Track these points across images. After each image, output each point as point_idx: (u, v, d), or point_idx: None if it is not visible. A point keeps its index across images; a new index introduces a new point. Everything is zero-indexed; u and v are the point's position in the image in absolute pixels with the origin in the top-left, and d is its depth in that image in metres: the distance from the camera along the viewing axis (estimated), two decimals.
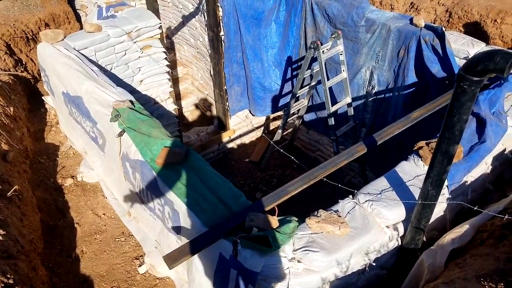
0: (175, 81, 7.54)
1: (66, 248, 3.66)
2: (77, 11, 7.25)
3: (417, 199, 2.69)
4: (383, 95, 5.39)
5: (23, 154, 4.05)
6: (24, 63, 5.47)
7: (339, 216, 2.81)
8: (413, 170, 3.18)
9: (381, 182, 3.10)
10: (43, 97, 5.22)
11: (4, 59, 5.03)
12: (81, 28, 6.80)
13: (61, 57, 4.43)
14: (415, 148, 3.35)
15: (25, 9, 6.03)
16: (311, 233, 2.66)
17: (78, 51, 4.74)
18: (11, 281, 2.31)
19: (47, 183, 4.05)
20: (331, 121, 5.30)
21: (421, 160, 3.24)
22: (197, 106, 7.92)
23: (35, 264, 2.95)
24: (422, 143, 3.33)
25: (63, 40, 4.79)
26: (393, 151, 5.13)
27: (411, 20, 4.98)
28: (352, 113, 5.52)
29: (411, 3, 6.51)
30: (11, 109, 4.27)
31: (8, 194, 3.04)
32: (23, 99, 4.93)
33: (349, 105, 5.48)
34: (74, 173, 4.30)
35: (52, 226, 3.79)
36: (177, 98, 7.42)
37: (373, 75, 5.43)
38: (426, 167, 2.53)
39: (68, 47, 4.68)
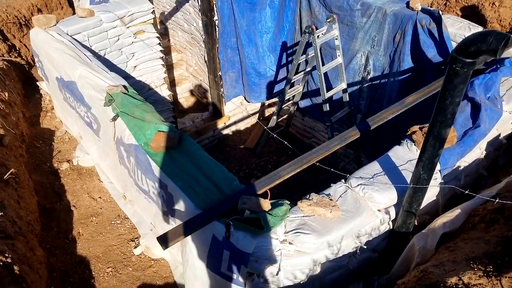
0: (169, 67, 7.49)
1: (63, 230, 3.72)
2: None
3: (409, 183, 2.72)
4: (378, 81, 5.38)
5: (19, 138, 4.06)
6: (17, 48, 5.43)
7: (331, 199, 2.84)
8: (406, 155, 3.20)
9: (374, 167, 3.12)
10: (37, 83, 5.19)
11: None
12: (74, 13, 6.72)
13: (54, 42, 4.39)
14: (409, 132, 3.36)
15: None
16: (303, 216, 2.70)
17: (71, 36, 4.71)
18: (9, 260, 2.35)
19: (43, 167, 4.08)
20: (326, 107, 5.30)
21: (414, 144, 3.25)
22: (192, 92, 7.89)
23: (33, 245, 3.00)
24: (415, 127, 3.34)
25: (55, 25, 4.74)
26: (387, 136, 5.15)
27: (407, 3, 4.93)
28: (348, 99, 5.51)
29: None
30: (6, 94, 4.25)
31: (5, 177, 3.06)
32: (18, 85, 4.91)
33: (344, 91, 5.48)
34: (70, 157, 4.32)
35: (49, 209, 3.83)
36: (172, 84, 7.39)
37: (368, 60, 5.41)
38: (419, 152, 2.55)
39: (60, 32, 4.63)
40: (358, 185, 2.94)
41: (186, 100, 7.77)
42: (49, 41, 4.44)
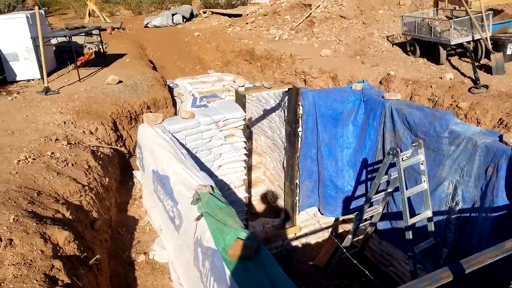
0: (248, 168, 7.82)
1: None
2: (175, 97, 8.17)
3: None
4: (468, 214, 5.02)
5: (107, 223, 4.35)
6: (124, 138, 6.15)
7: None
8: None
9: None
10: (133, 171, 5.71)
11: (109, 134, 5.71)
12: (175, 112, 7.59)
13: (157, 138, 4.91)
14: None
15: (133, 93, 6.95)
16: None
17: (172, 134, 5.24)
18: None
19: (122, 256, 4.24)
20: (409, 235, 4.99)
21: None
22: (266, 196, 8.03)
23: None
24: None
25: (161, 123, 5.34)
26: (482, 280, 4.57)
27: (500, 137, 4.80)
28: (433, 229, 5.16)
29: (500, 119, 6.31)
30: (106, 180, 4.72)
31: (90, 262, 3.23)
32: (117, 171, 5.43)
33: (429, 219, 5.17)
34: (147, 249, 4.47)
35: None
36: (248, 185, 7.63)
37: (457, 190, 5.15)
38: None
39: (164, 129, 5.19)
40: None
41: (259, 203, 7.89)
42: (154, 136, 4.98)
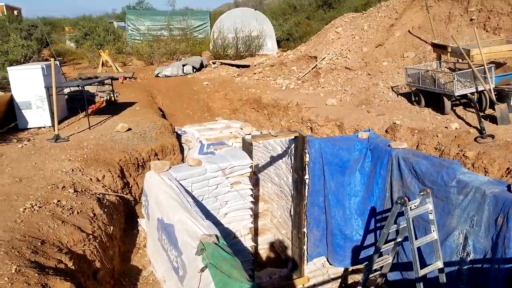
0: (254, 216, 7.73)
1: None
2: (182, 144, 8.29)
3: None
4: (480, 265, 4.86)
5: (110, 274, 4.27)
6: (130, 186, 6.17)
7: None
8: None
9: None
10: (138, 219, 5.68)
11: (116, 181, 5.75)
12: (183, 159, 7.67)
13: (163, 186, 4.93)
14: None
15: (141, 140, 7.07)
16: None
17: (178, 181, 5.26)
18: None
19: None
20: (420, 287, 4.81)
21: None
22: (272, 244, 7.86)
23: None
24: None
25: (168, 170, 5.39)
26: None
27: (508, 186, 4.76)
28: (444, 280, 4.99)
29: (507, 168, 6.27)
30: (111, 228, 4.69)
31: None
32: (122, 219, 5.41)
33: (440, 270, 5.01)
34: None
35: None
36: (254, 233, 7.51)
37: (467, 240, 5.03)
38: None
39: (171, 177, 5.22)
40: None
41: (266, 252, 7.71)
42: (160, 184, 5.00)
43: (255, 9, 22.28)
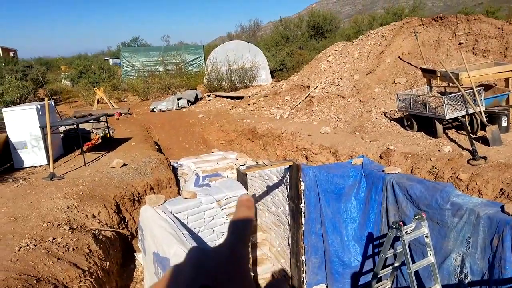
0: (253, 246, 7.70)
1: None
2: (178, 177, 8.34)
3: None
4: (478, 287, 4.84)
5: None
6: (126, 220, 6.18)
7: None
8: None
9: None
10: (135, 254, 5.65)
11: (112, 217, 5.76)
12: (179, 191, 7.69)
13: (159, 220, 4.95)
14: None
15: (137, 175, 7.13)
16: None
17: (173, 214, 5.29)
18: None
19: None
20: None
21: None
22: (272, 275, 7.76)
23: None
24: None
25: (163, 204, 5.42)
26: None
27: (502, 207, 4.80)
28: None
29: (501, 189, 6.34)
30: (107, 264, 4.67)
31: None
32: (118, 254, 5.39)
33: None
34: None
35: None
36: (253, 263, 7.43)
37: (464, 262, 5.02)
38: None
39: (166, 210, 5.26)
40: None
41: (265, 281, 7.60)
42: (155, 218, 5.02)
43: (248, 42, 22.82)
